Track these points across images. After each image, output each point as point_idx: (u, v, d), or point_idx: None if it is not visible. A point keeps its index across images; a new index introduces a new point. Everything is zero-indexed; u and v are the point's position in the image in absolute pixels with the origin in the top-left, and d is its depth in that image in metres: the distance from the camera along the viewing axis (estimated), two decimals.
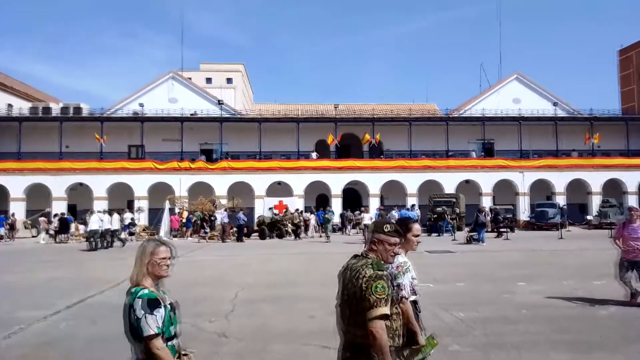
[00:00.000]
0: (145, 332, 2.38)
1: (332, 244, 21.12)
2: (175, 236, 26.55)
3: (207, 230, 24.88)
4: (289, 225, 25.78)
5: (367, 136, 32.89)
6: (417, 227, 3.56)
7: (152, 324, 2.40)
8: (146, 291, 2.50)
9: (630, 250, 7.50)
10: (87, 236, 19.94)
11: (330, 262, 14.14)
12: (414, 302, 3.35)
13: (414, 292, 3.32)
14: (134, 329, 2.44)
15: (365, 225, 22.51)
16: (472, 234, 20.77)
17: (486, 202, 31.79)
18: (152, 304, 2.45)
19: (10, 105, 35.56)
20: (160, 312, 2.47)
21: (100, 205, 29.98)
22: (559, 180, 33.18)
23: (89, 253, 18.20)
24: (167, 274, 2.66)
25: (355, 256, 2.80)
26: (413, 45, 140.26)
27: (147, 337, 2.39)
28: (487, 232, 24.35)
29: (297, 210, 26.67)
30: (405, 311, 3.09)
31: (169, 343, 2.50)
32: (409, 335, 3.11)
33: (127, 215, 25.38)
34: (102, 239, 19.68)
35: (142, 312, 2.41)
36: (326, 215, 23.45)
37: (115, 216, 21.22)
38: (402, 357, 3.12)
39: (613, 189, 33.47)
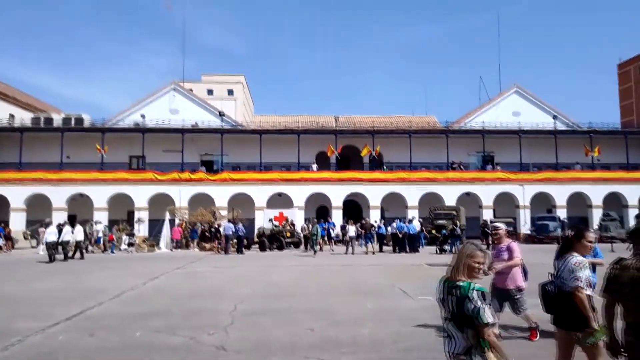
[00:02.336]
0: (485, 320, 2.73)
1: (330, 256, 21.09)
2: (176, 247, 26.48)
3: (222, 241, 24.48)
4: (288, 235, 25.81)
5: (367, 148, 32.99)
6: (590, 235, 4.18)
7: (490, 313, 2.75)
8: (478, 284, 2.86)
9: (496, 275, 6.30)
10: (46, 248, 19.39)
11: (329, 274, 14.13)
12: (589, 296, 3.90)
13: (590, 287, 3.91)
14: (467, 317, 2.78)
15: (350, 237, 22.75)
16: (443, 246, 22.61)
17: (487, 215, 31.76)
18: (486, 296, 2.82)
19: (12, 116, 35.76)
20: (490, 305, 2.83)
21: (100, 216, 30.07)
22: (560, 193, 33.19)
23: (50, 264, 17.95)
24: (480, 277, 2.96)
25: (622, 258, 3.38)
26: (412, 57, 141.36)
27: (485, 324, 2.73)
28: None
29: (307, 220, 26.56)
30: (582, 300, 3.79)
31: (493, 329, 2.83)
32: (582, 321, 3.79)
33: (100, 227, 25.32)
34: (63, 250, 19.35)
35: (480, 303, 2.76)
36: (312, 229, 22.55)
37: (78, 227, 20.93)
38: (576, 338, 3.86)
39: (614, 202, 33.47)
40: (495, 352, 2.76)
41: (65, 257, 19.46)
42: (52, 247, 18.83)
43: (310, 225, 23.82)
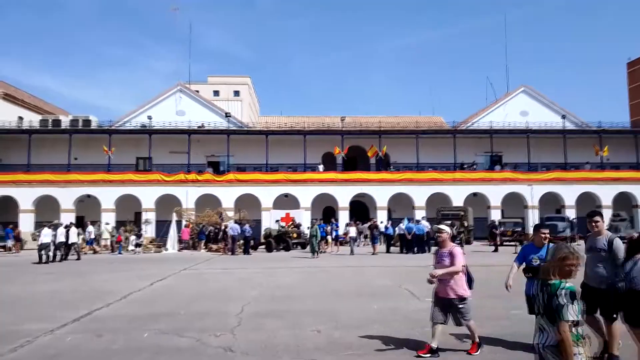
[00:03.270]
0: (565, 317, 2.98)
1: (336, 258, 21.02)
2: (185, 248, 26.56)
3: (229, 242, 24.37)
4: (295, 236, 25.76)
5: (374, 149, 32.91)
6: None
7: (572, 312, 2.98)
8: (569, 284, 3.10)
9: (439, 283, 5.74)
10: (38, 249, 19.32)
11: (335, 276, 14.08)
12: None
13: None
14: (554, 312, 3.03)
15: (351, 237, 22.91)
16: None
17: (495, 216, 31.56)
18: (574, 296, 3.04)
19: (20, 118, 36.07)
20: (577, 304, 3.04)
21: (107, 217, 30.26)
22: (569, 194, 32.91)
23: (41, 266, 18.00)
24: (573, 277, 3.17)
25: None
26: (419, 58, 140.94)
27: (565, 321, 2.97)
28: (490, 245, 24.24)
29: (314, 220, 26.56)
30: None
31: (578, 327, 3.05)
32: None
33: (91, 229, 25.05)
34: (55, 252, 19.31)
35: (565, 301, 3.00)
36: (311, 230, 21.80)
37: (73, 229, 20.93)
38: None
39: (624, 202, 33.14)
40: (564, 348, 2.95)
41: (60, 258, 19.43)
42: (45, 249, 18.80)
43: (310, 226, 23.36)
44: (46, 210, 30.88)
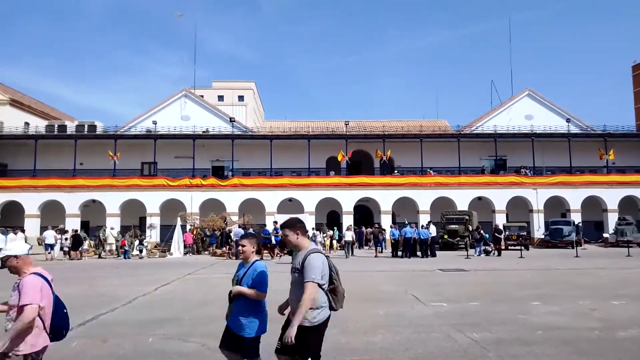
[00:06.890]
0: None
1: (339, 262, 20.97)
2: (187, 253, 26.59)
3: (232, 246, 24.31)
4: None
5: (379, 153, 32.96)
6: None
7: None
8: None
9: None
10: None
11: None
12: None
13: None
14: None
15: (346, 241, 23.51)
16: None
17: (500, 220, 31.44)
18: None
19: (27, 124, 36.37)
20: None
21: (112, 222, 30.35)
22: (574, 197, 32.76)
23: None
24: None
25: None
26: (423, 62, 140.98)
27: None
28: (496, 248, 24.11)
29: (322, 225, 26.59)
30: None
31: None
32: None
33: (49, 233, 23.50)
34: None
35: None
36: (279, 235, 21.21)
37: (20, 235, 20.76)
38: None
39: (630, 206, 32.94)
40: None
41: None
42: None
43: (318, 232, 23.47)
44: (52, 215, 31.03)
